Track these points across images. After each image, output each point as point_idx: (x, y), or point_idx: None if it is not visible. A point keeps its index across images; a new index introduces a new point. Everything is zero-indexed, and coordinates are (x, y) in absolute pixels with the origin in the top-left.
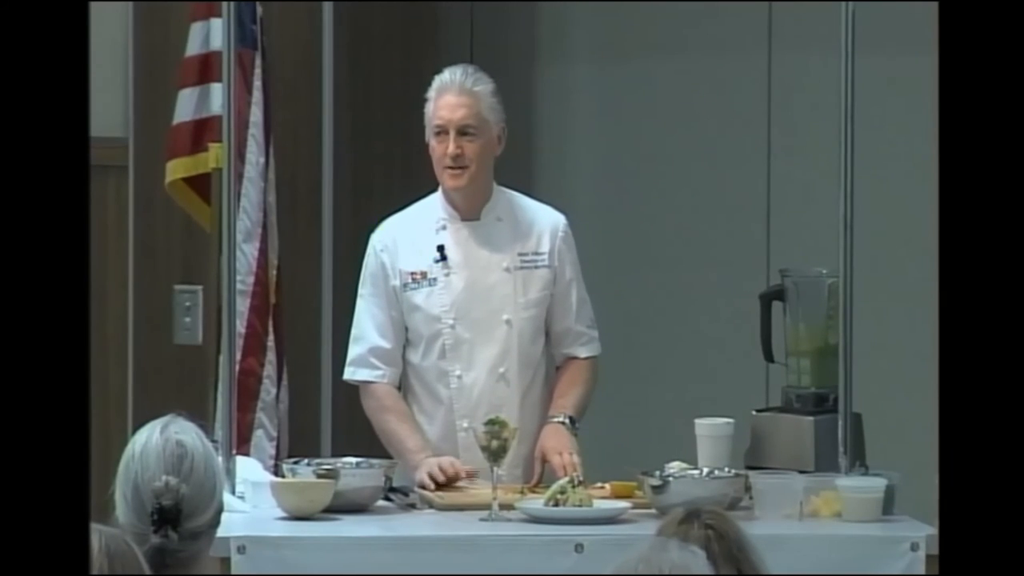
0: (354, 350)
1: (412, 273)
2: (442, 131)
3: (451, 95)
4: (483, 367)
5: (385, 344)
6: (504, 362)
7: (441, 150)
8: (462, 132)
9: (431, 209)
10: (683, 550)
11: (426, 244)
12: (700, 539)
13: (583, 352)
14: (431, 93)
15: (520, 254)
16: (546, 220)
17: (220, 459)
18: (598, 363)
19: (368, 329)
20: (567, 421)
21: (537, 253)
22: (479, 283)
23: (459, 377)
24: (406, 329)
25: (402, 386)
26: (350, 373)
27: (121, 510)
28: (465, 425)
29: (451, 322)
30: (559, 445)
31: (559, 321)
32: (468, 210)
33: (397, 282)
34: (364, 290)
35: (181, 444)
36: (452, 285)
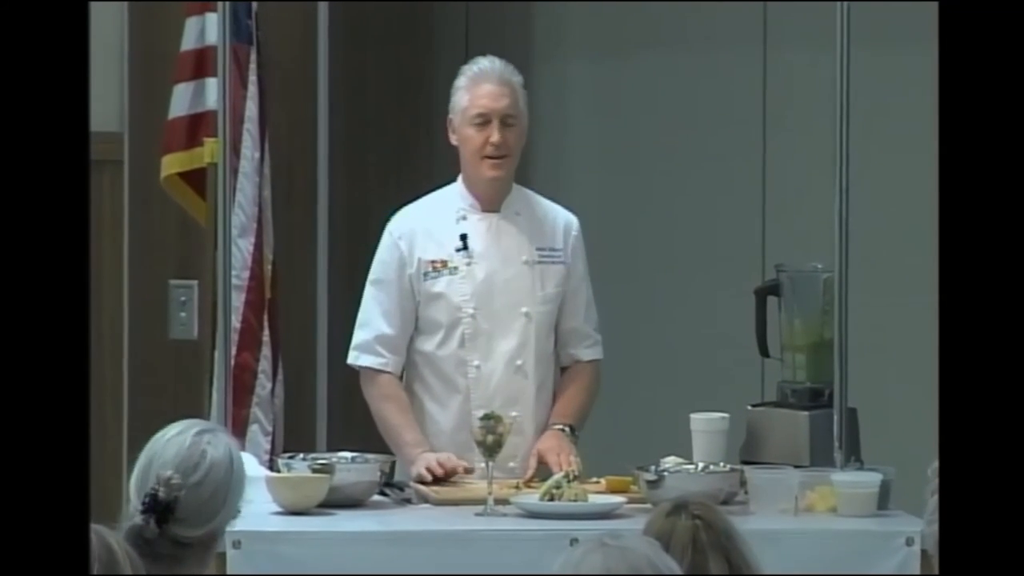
0: (360, 335)
1: (432, 262)
2: (484, 120)
3: (491, 84)
4: (501, 359)
5: (392, 332)
6: (522, 355)
7: (481, 139)
8: (504, 122)
9: (450, 199)
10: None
11: (446, 233)
12: (688, 530)
13: (587, 355)
14: (462, 82)
15: (538, 248)
16: (561, 218)
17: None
18: (600, 366)
19: (375, 315)
20: (566, 429)
21: (553, 249)
22: (499, 275)
23: (477, 367)
24: (417, 318)
25: (411, 375)
26: (354, 358)
27: (132, 484)
28: (481, 415)
29: (471, 311)
30: (557, 447)
31: (567, 319)
32: (490, 202)
33: (414, 270)
34: (376, 276)
35: (204, 454)
36: (473, 275)
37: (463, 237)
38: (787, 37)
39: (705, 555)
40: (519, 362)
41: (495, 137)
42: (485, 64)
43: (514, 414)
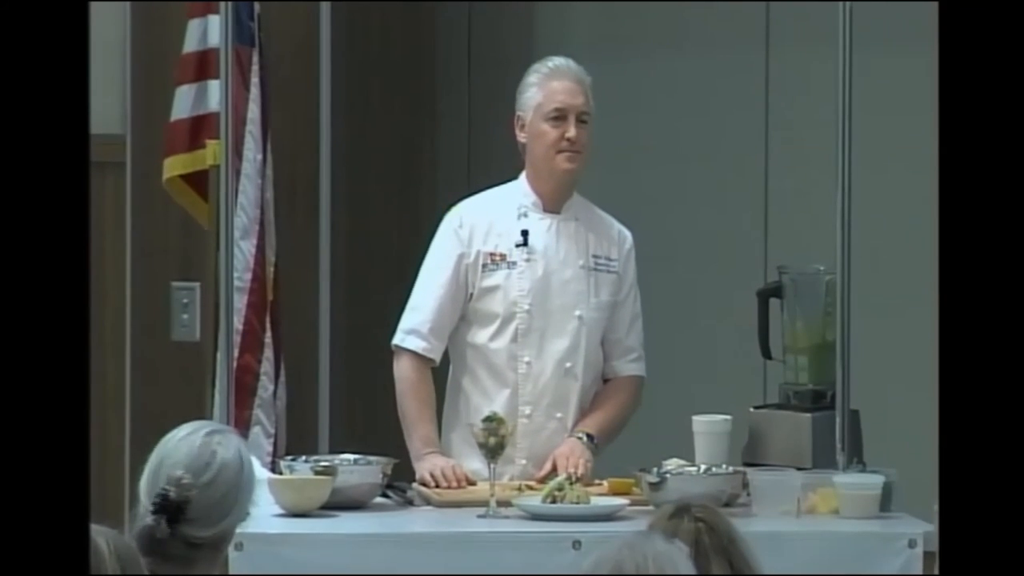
0: (411, 318)
1: (491, 254)
2: (561, 115)
3: (569, 81)
4: (551, 358)
5: (441, 319)
6: (572, 357)
7: (558, 133)
8: (579, 118)
9: (511, 195)
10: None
11: (506, 227)
12: (691, 532)
13: (628, 370)
14: (534, 79)
15: (594, 256)
16: (616, 230)
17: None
18: (642, 384)
19: (429, 301)
20: (584, 437)
21: (609, 258)
22: (556, 275)
23: (528, 363)
24: (468, 311)
25: (459, 368)
26: (400, 339)
27: (142, 486)
28: (527, 412)
29: (527, 307)
30: (568, 452)
31: (613, 330)
32: (552, 202)
33: (471, 260)
34: (432, 263)
35: (215, 455)
36: (533, 271)
37: (524, 233)
38: (789, 38)
39: (708, 558)
40: (568, 364)
41: (571, 132)
42: (560, 62)
43: (559, 415)
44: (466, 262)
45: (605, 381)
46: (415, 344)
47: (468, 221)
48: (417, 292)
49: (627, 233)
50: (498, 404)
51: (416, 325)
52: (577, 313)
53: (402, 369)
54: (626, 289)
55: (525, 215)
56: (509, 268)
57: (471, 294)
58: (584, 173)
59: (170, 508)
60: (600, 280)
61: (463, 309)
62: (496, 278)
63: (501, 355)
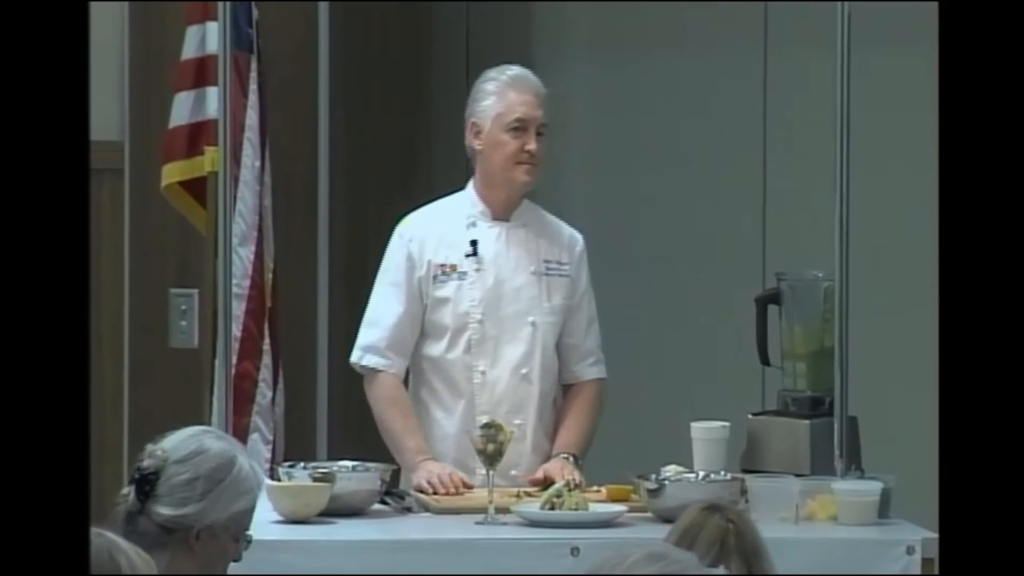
0: (367, 335)
1: (441, 265)
2: (521, 127)
3: (528, 93)
4: (507, 366)
5: (399, 334)
6: (528, 363)
7: (517, 145)
8: (538, 131)
9: (460, 205)
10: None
11: (456, 238)
12: (719, 529)
13: (589, 374)
14: (492, 87)
15: (546, 261)
16: (567, 234)
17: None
18: (604, 385)
19: (385, 316)
20: (570, 458)
21: (560, 262)
22: (508, 283)
23: (483, 373)
24: (422, 322)
25: (417, 381)
26: (358, 357)
27: None
28: (485, 420)
29: (479, 317)
30: (560, 467)
31: (570, 335)
32: (501, 210)
33: (423, 273)
34: (386, 278)
35: (200, 442)
36: (483, 281)
37: (473, 243)
38: (788, 39)
39: (729, 559)
40: (524, 370)
41: (531, 145)
42: (519, 71)
43: (517, 422)
44: (418, 274)
45: (565, 386)
46: (372, 361)
47: (418, 234)
48: (371, 308)
49: (578, 236)
50: (456, 415)
51: (373, 342)
52: (531, 319)
53: (374, 389)
54: (580, 292)
55: (474, 224)
56: (460, 279)
57: (426, 306)
58: (539, 184)
59: (142, 479)
60: (553, 285)
61: (422, 322)
62: (447, 290)
63: (456, 366)
